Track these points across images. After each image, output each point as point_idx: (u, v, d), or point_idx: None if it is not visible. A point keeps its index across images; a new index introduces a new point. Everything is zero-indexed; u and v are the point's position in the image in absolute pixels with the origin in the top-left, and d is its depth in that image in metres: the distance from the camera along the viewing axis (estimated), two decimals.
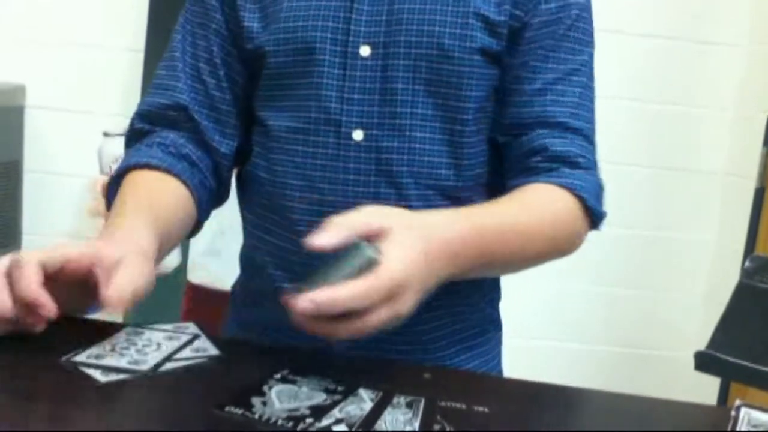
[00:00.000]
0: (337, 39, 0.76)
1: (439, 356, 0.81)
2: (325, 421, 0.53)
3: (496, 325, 0.89)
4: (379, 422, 0.54)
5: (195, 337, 0.67)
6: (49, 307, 0.57)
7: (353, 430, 0.52)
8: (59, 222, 2.03)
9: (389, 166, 0.76)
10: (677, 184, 2.08)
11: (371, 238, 0.58)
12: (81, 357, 0.60)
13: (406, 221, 0.62)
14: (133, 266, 0.62)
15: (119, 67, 2.01)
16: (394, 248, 0.58)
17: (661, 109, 2.06)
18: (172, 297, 1.79)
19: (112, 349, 0.62)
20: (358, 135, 0.76)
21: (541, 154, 0.77)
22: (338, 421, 0.53)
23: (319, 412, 0.54)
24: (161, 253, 0.71)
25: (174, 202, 0.77)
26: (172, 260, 1.78)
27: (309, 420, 0.53)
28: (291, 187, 0.78)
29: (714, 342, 1.14)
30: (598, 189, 0.79)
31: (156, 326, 0.68)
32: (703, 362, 1.14)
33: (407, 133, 0.76)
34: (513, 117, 0.78)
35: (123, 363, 0.60)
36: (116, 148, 1.65)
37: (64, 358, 0.59)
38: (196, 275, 1.81)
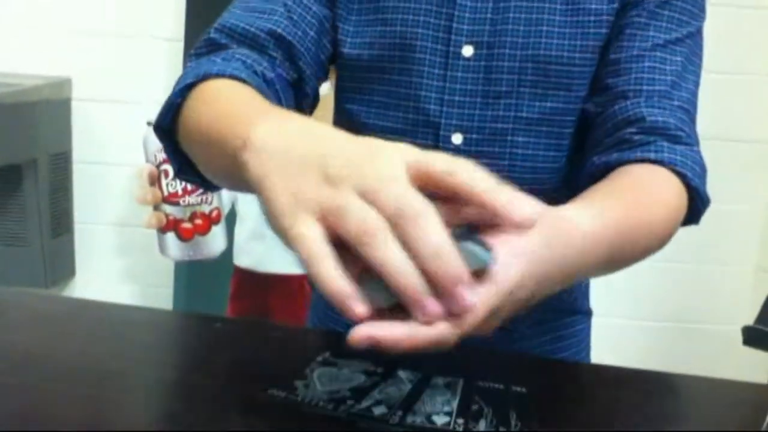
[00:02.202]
0: (439, 37, 0.72)
1: (525, 346, 0.79)
2: (365, 403, 0.54)
3: (585, 313, 0.86)
4: (417, 403, 0.55)
5: None
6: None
7: (392, 411, 0.53)
8: (109, 210, 2.09)
9: (488, 171, 0.73)
10: (727, 155, 2.03)
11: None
12: None
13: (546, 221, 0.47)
14: None
15: (160, 57, 2.04)
16: (512, 262, 0.44)
17: (710, 77, 2.01)
18: (220, 281, 1.84)
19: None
20: (457, 139, 0.73)
21: (636, 125, 0.68)
22: (378, 403, 0.54)
23: (359, 393, 0.55)
24: None
25: None
26: (219, 245, 1.82)
27: (350, 402, 0.54)
28: None
29: (763, 316, 1.12)
30: (702, 168, 0.69)
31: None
32: (751, 337, 1.12)
33: (509, 137, 0.72)
34: (608, 86, 0.72)
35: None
36: None
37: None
38: (242, 259, 1.85)
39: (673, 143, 0.68)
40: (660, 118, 0.68)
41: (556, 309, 0.82)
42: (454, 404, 0.55)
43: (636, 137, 0.68)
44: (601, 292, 2.01)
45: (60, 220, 2.02)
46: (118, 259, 2.12)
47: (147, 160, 1.77)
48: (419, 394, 0.57)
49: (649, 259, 2.29)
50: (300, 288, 1.83)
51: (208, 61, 0.68)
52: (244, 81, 0.63)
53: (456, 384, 0.59)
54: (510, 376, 0.61)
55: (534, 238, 0.45)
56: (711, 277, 2.09)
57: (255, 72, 0.67)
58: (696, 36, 0.74)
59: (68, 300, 1.21)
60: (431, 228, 0.40)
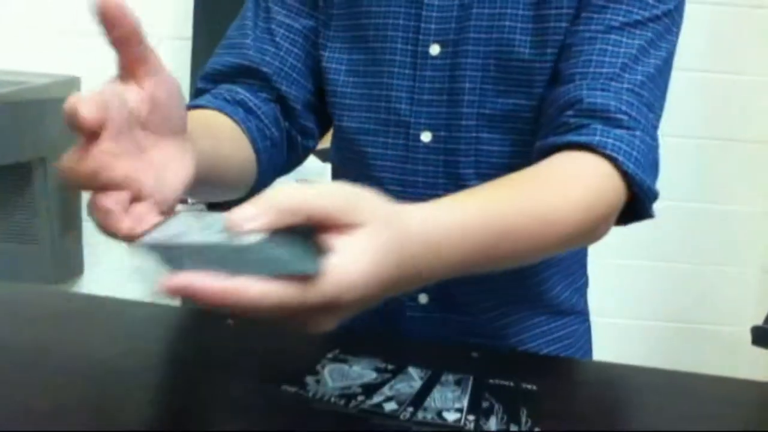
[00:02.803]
0: (408, 38, 0.73)
1: (521, 348, 0.79)
2: (375, 399, 0.54)
3: (579, 314, 0.86)
4: (428, 399, 0.55)
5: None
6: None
7: (403, 407, 0.54)
8: None
9: (456, 168, 0.74)
10: (731, 155, 2.03)
11: (328, 229, 0.43)
12: None
13: (382, 216, 0.46)
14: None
15: (168, 55, 2.05)
16: (350, 260, 0.43)
17: (711, 77, 2.01)
18: None
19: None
20: (426, 137, 0.74)
21: (574, 108, 0.65)
22: (388, 399, 0.55)
23: (369, 390, 0.56)
24: (207, 168, 0.56)
25: (220, 130, 0.67)
26: None
27: (360, 398, 0.54)
28: (363, 186, 0.77)
29: None
30: (645, 154, 0.64)
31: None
32: (759, 336, 1.12)
33: (474, 134, 0.73)
34: (559, 71, 0.69)
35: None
36: None
37: None
38: None
39: (611, 126, 0.63)
40: (600, 100, 0.64)
41: (548, 310, 0.82)
42: (465, 401, 0.56)
43: (572, 120, 0.64)
44: (604, 292, 2.02)
45: (68, 218, 2.03)
46: (126, 255, 2.13)
47: None
48: (429, 390, 0.57)
49: (655, 260, 2.27)
50: None
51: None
52: (204, 107, 0.70)
53: (466, 381, 0.59)
54: (519, 374, 0.61)
55: (364, 235, 0.44)
56: (716, 277, 2.09)
57: (224, 98, 0.73)
58: (664, 19, 0.69)
59: (80, 296, 1.22)
60: None
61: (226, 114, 0.70)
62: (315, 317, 0.44)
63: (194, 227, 0.45)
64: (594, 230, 0.61)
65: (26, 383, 0.55)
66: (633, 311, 2.09)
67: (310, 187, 0.44)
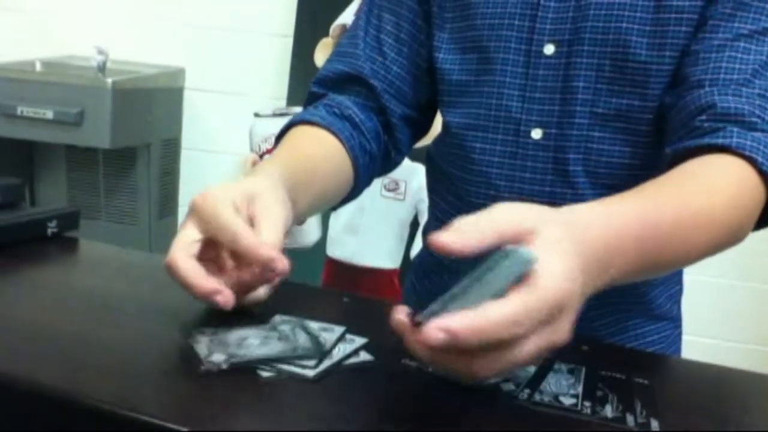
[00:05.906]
0: (522, 37, 0.75)
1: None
2: (492, 380, 0.56)
3: (672, 319, 0.87)
4: (543, 383, 0.57)
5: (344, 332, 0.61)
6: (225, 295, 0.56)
7: (520, 388, 0.55)
8: None
9: (565, 165, 0.75)
10: None
11: (516, 241, 0.47)
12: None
13: (553, 217, 0.50)
14: (271, 201, 0.59)
15: (270, 52, 2.12)
16: (549, 255, 0.46)
17: None
18: (312, 271, 1.89)
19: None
20: (536, 134, 0.76)
21: (707, 113, 0.67)
22: (505, 380, 0.56)
23: None
24: (300, 199, 0.67)
25: (322, 153, 0.76)
26: (313, 235, 1.88)
27: None
28: (467, 182, 0.80)
29: None
30: None
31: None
32: None
33: (585, 132, 0.74)
34: (686, 76, 0.70)
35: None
36: (266, 128, 1.76)
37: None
38: (335, 251, 1.90)
39: (746, 129, 0.65)
40: (732, 105, 0.66)
41: (643, 314, 0.83)
42: (579, 388, 0.57)
43: (706, 124, 0.66)
44: (693, 309, 1.97)
45: (166, 203, 2.13)
46: None
47: (252, 150, 1.84)
48: (544, 376, 0.58)
49: (747, 280, 2.19)
50: (390, 282, 1.87)
51: (304, 111, 0.82)
52: (315, 124, 0.78)
53: (579, 371, 0.60)
54: (630, 368, 0.62)
55: (552, 232, 0.48)
56: None
57: (334, 113, 0.80)
58: None
59: None
60: None
61: (335, 132, 0.78)
62: (557, 327, 0.47)
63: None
64: (740, 228, 0.64)
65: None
66: (723, 331, 2.03)
67: (485, 212, 0.49)
